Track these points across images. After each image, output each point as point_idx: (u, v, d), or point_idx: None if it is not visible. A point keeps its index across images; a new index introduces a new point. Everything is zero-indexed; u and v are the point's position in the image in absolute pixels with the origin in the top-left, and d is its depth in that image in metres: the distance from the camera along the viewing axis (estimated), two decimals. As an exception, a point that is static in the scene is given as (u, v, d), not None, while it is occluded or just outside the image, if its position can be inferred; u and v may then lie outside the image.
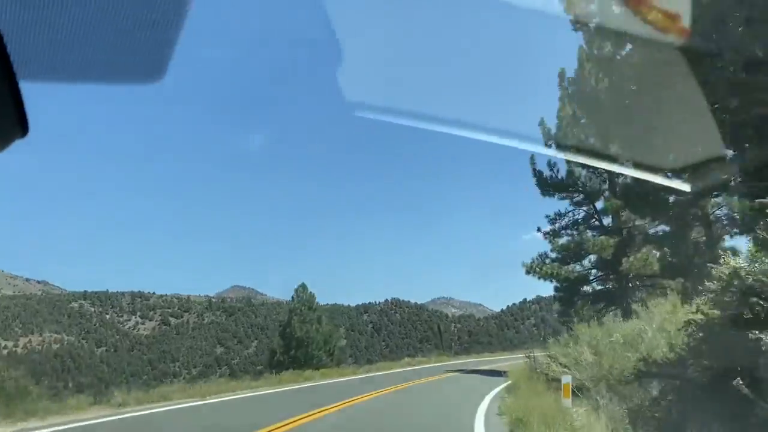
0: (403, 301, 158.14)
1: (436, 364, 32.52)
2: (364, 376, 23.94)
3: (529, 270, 24.76)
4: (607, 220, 25.50)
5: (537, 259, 25.05)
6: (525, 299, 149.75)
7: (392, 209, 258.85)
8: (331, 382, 20.68)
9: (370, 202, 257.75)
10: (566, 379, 10.10)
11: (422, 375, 23.80)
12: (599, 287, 26.47)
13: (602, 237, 23.50)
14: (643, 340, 11.40)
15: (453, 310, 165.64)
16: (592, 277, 25.23)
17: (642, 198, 18.21)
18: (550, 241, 26.13)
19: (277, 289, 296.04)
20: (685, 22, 6.26)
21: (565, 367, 12.85)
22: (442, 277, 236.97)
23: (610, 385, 10.98)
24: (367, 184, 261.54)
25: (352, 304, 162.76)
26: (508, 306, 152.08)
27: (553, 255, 25.56)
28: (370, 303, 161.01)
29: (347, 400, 12.95)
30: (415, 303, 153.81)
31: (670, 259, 23.98)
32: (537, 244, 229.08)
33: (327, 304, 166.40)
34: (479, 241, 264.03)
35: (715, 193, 16.38)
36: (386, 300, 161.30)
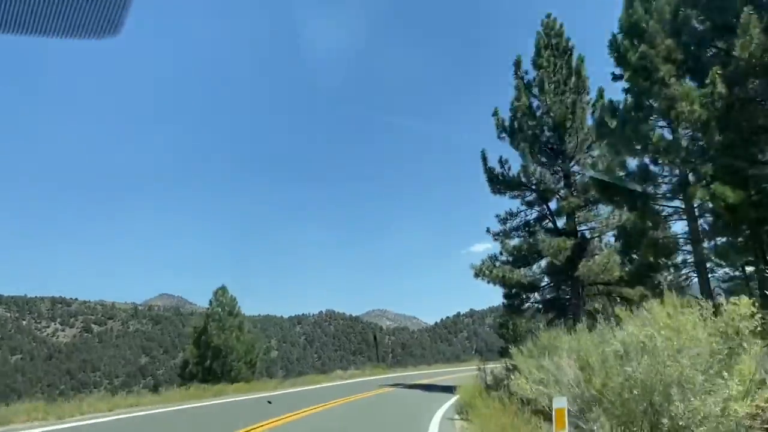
0: (337, 312, 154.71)
1: (370, 378, 29.16)
2: (285, 391, 20.37)
3: (478, 273, 21.85)
4: (561, 222, 22.92)
5: (487, 261, 22.19)
6: (458, 312, 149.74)
7: (329, 219, 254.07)
8: (238, 399, 17.02)
9: (305, 211, 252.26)
10: (560, 402, 7.02)
11: (354, 390, 20.43)
12: (549, 295, 23.84)
13: (559, 238, 20.84)
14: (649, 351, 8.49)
15: (388, 323, 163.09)
16: (543, 283, 22.52)
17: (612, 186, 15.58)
18: (500, 243, 23.35)
19: (208, 298, 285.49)
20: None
21: (541, 384, 9.80)
22: (378, 290, 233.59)
23: (607, 410, 8.02)
24: (303, 192, 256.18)
25: (285, 315, 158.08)
26: (441, 319, 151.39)
27: (504, 257, 22.78)
28: (303, 314, 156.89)
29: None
30: (350, 315, 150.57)
31: (629, 265, 21.66)
32: (473, 258, 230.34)
33: (259, 315, 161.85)
34: (416, 254, 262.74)
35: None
36: (320, 311, 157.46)
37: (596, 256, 20.68)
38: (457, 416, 13.25)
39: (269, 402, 15.14)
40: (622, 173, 15.43)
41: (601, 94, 22.13)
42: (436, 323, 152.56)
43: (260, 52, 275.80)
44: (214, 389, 18.24)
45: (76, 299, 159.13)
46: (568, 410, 8.87)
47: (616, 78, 15.08)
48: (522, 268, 21.74)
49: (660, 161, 13.86)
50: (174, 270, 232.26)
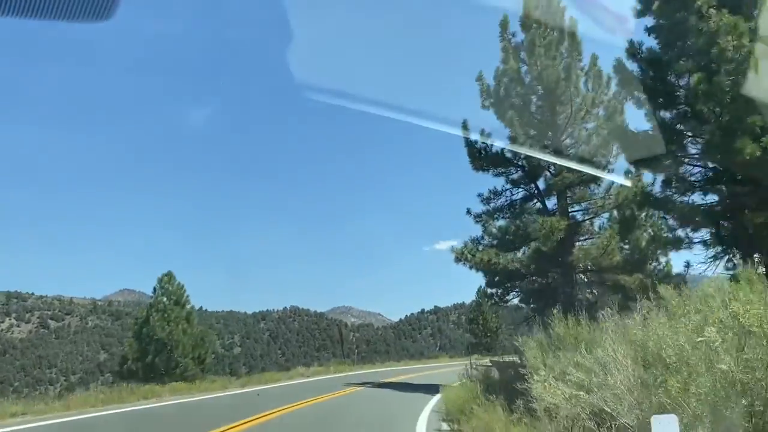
0: (302, 309, 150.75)
1: (335, 375, 25.98)
2: (233, 392, 17.09)
3: (460, 257, 18.85)
4: (551, 203, 20.10)
5: (469, 244, 19.20)
6: (423, 309, 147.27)
7: (292, 215, 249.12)
8: (166, 404, 13.69)
9: (269, 207, 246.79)
10: (666, 424, 3.98)
11: (316, 390, 17.25)
12: (536, 283, 21.05)
13: (552, 218, 17.99)
14: None
15: (352, 319, 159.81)
16: (534, 268, 19.61)
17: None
18: (483, 225, 20.41)
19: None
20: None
21: (582, 389, 6.78)
22: (343, 286, 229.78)
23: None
24: (265, 188, 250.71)
25: (249, 312, 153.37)
26: (406, 316, 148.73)
27: (487, 241, 19.85)
28: (267, 310, 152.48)
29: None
30: (315, 311, 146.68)
31: (628, 248, 19.03)
32: (439, 255, 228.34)
33: (222, 311, 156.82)
34: (380, 251, 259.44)
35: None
36: (285, 308, 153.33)
37: (595, 239, 17.94)
38: (445, 426, 10.25)
39: (239, 401, 11.86)
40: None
41: (594, 61, 19.52)
42: (400, 320, 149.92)
43: (207, 37, 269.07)
44: (143, 391, 14.83)
45: (33, 294, 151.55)
46: (626, 425, 5.94)
47: (640, 14, 12.24)
48: (510, 252, 18.82)
49: (697, 109, 10.99)
50: (136, 265, 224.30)
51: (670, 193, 12.74)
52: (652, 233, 22.16)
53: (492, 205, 20.63)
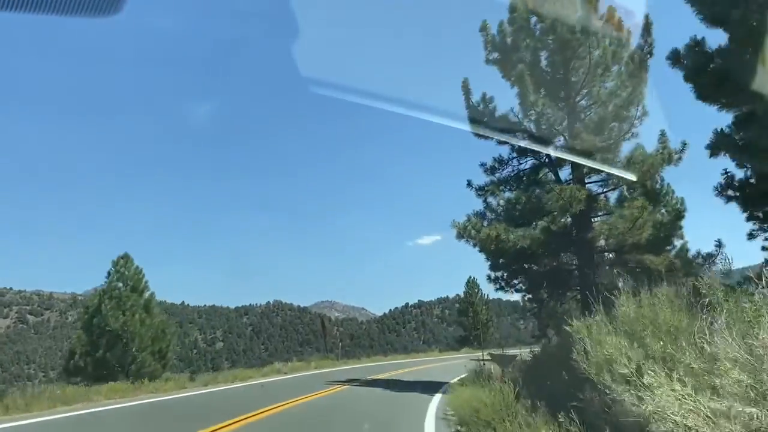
0: (285, 303, 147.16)
1: (316, 371, 22.83)
2: (193, 393, 13.94)
3: (462, 233, 15.78)
4: (564, 173, 17.13)
5: (473, 218, 16.13)
6: (407, 303, 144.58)
7: (276, 208, 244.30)
8: (87, 412, 10.44)
9: (252, 201, 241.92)
10: None
11: (294, 390, 14.15)
12: (546, 266, 18.09)
13: (571, 186, 15.01)
14: None
15: (336, 314, 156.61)
16: (547, 247, 16.56)
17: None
18: (485, 199, 17.39)
19: (154, 288, 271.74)
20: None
21: (748, 401, 3.76)
22: (326, 281, 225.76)
23: None
24: (249, 181, 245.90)
25: (232, 306, 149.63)
26: (390, 310, 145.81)
27: (492, 215, 16.83)
28: (250, 305, 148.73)
29: None
30: (298, 306, 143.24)
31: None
32: (422, 250, 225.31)
33: (204, 305, 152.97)
34: (364, 245, 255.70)
35: None
36: (268, 302, 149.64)
37: (618, 213, 14.95)
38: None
39: (183, 408, 8.67)
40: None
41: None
42: (384, 314, 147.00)
43: (212, 31, 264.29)
44: (68, 394, 11.54)
45: (11, 289, 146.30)
46: None
47: None
48: (519, 228, 15.76)
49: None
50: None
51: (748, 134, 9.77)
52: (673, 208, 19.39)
53: (497, 175, 17.61)
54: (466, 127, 18.40)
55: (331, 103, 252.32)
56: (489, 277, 18.09)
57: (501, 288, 18.69)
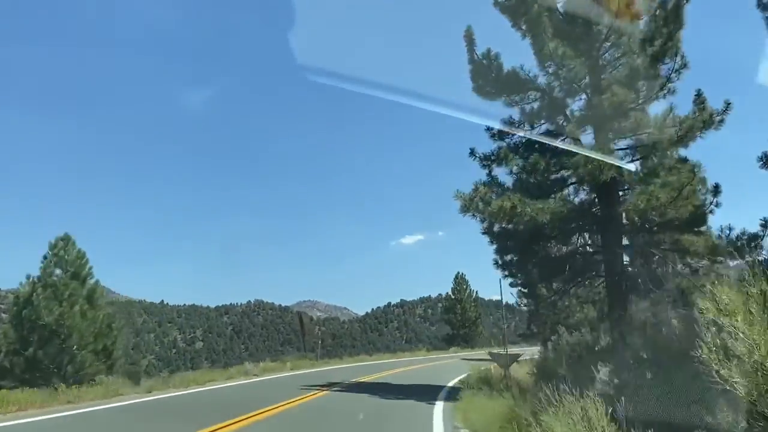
0: (266, 303, 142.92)
1: (292, 373, 19.67)
2: (127, 403, 10.72)
3: (468, 205, 12.71)
4: (587, 138, 14.14)
5: (482, 187, 13.07)
6: (389, 303, 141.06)
7: (256, 208, 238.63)
8: None
9: (232, 200, 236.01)
10: None
11: (260, 399, 11.00)
12: (563, 249, 15.17)
13: (600, 150, 12.07)
14: None
15: (318, 313, 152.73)
16: (569, 225, 13.56)
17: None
18: (489, 172, 14.38)
19: (130, 286, 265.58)
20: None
21: None
22: (308, 280, 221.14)
23: None
24: (229, 180, 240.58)
25: (212, 305, 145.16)
26: (372, 309, 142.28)
27: (500, 189, 13.80)
28: (231, 304, 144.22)
29: None
30: (280, 305, 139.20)
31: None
32: (405, 249, 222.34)
33: (184, 304, 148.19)
34: (346, 244, 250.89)
35: None
36: (249, 302, 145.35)
37: (669, 176, 12.03)
38: None
39: None
40: None
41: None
42: (366, 314, 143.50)
43: (208, 19, 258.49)
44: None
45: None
46: None
47: None
48: (538, 201, 12.75)
49: None
50: (98, 258, 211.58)
51: None
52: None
53: (507, 141, 14.66)
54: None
55: (317, 102, 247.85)
56: (497, 263, 15.10)
57: (511, 275, 15.77)
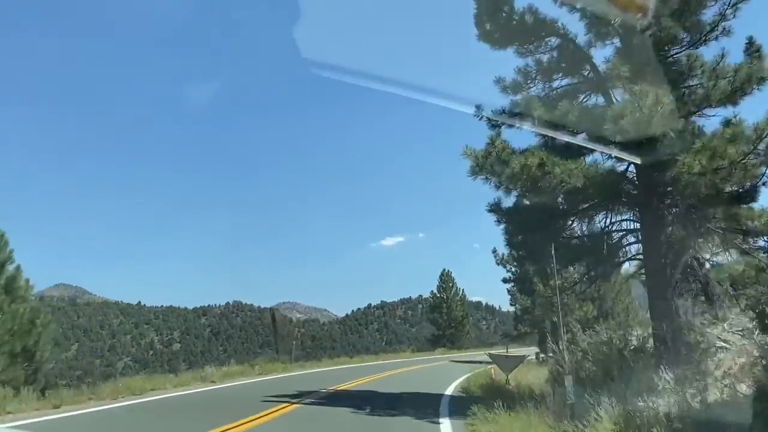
0: (245, 304, 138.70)
1: (260, 378, 16.53)
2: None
3: (481, 164, 9.77)
4: (617, 93, 11.23)
5: (499, 142, 10.08)
6: (369, 304, 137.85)
7: (236, 208, 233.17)
8: None
9: (210, 200, 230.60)
10: None
11: (203, 418, 7.92)
12: (591, 227, 12.26)
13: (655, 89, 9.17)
14: None
15: (298, 315, 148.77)
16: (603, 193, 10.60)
17: None
18: (498, 133, 11.36)
19: (110, 288, 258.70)
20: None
21: None
22: (288, 281, 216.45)
23: None
24: (207, 180, 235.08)
25: (190, 307, 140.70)
26: (352, 311, 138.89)
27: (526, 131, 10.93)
28: (209, 305, 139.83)
29: None
30: (259, 306, 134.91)
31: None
32: (385, 251, 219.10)
33: (161, 306, 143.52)
34: (327, 245, 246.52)
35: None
36: (227, 303, 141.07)
37: (736, 127, 9.21)
38: None
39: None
40: None
41: None
42: (346, 315, 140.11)
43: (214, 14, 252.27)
44: None
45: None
46: None
47: None
48: (570, 161, 9.82)
49: None
50: (74, 259, 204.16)
51: None
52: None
53: (521, 95, 11.73)
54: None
55: (303, 101, 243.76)
56: (509, 243, 12.16)
57: (529, 257, 12.85)
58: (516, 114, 11.35)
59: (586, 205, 11.13)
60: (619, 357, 11.45)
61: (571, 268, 27.32)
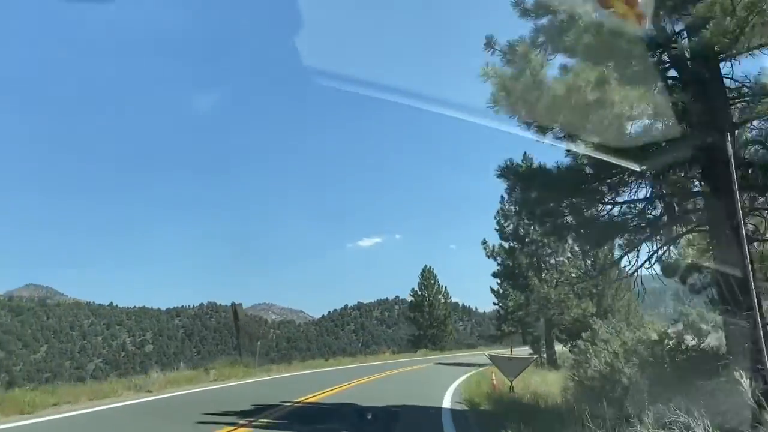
0: (219, 305, 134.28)
1: (214, 386, 13.33)
2: None
3: (509, 90, 6.75)
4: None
5: (533, 53, 7.16)
6: (346, 305, 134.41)
7: (212, 208, 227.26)
8: None
9: (184, 201, 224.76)
10: None
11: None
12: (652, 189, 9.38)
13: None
14: None
15: (273, 316, 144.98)
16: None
17: None
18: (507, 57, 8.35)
19: (81, 289, 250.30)
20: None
21: None
22: (264, 283, 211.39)
23: None
24: (182, 182, 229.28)
25: (163, 308, 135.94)
26: (328, 312, 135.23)
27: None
28: (182, 306, 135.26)
29: None
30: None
31: None
32: (362, 252, 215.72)
33: (134, 306, 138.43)
34: (303, 247, 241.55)
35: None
36: (201, 304, 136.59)
37: None
38: None
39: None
40: None
41: None
42: (322, 316, 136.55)
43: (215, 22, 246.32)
44: None
45: None
46: None
47: None
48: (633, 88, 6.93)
49: None
50: (45, 259, 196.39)
51: None
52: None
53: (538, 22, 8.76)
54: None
55: (285, 102, 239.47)
56: (532, 214, 9.27)
57: (553, 232, 9.88)
58: (541, 44, 8.37)
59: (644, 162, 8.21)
60: (671, 362, 8.66)
61: (566, 260, 23.90)
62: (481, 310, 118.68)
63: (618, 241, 9.96)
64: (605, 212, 9.53)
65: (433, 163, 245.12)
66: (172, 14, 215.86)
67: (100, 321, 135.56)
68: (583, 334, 12.35)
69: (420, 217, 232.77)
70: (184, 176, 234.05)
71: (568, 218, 9.44)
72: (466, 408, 9.57)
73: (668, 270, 10.39)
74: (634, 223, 9.25)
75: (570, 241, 9.94)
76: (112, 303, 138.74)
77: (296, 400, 9.86)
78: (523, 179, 9.39)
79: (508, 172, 9.29)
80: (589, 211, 9.29)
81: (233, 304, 18.92)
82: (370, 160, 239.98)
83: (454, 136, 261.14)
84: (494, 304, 29.01)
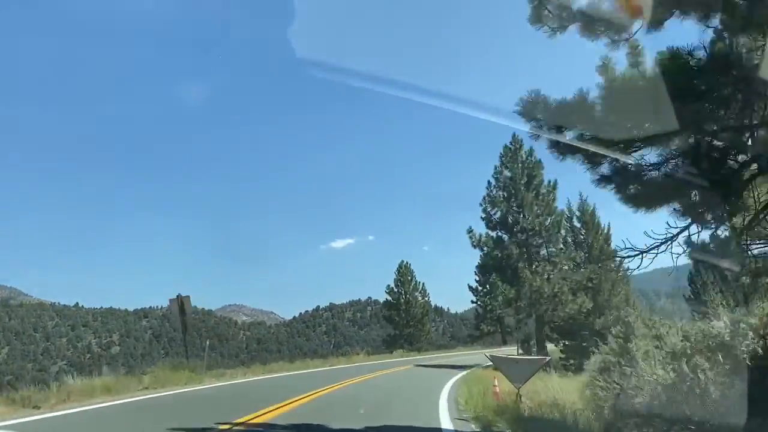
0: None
1: (140, 396, 10.23)
2: None
3: None
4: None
5: None
6: (318, 307, 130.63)
7: (181, 209, 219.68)
8: None
9: (151, 199, 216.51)
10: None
11: None
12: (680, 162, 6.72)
13: None
14: None
15: (244, 318, 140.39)
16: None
17: None
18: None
19: (46, 289, 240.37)
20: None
21: None
22: (235, 284, 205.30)
23: None
24: (149, 180, 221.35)
25: (130, 309, 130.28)
26: (300, 313, 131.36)
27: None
28: (150, 307, 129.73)
29: None
30: (203, 309, 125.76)
31: None
32: (335, 253, 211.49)
33: (100, 307, 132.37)
34: (277, 247, 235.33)
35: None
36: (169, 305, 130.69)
37: None
38: None
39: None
40: None
41: None
42: (294, 318, 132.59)
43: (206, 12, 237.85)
44: None
45: None
46: None
47: None
48: None
49: None
50: (8, 258, 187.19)
51: None
52: None
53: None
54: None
55: (252, 98, 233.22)
56: (567, 148, 6.55)
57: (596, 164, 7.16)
58: None
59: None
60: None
61: (558, 251, 21.36)
62: (453, 311, 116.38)
63: (674, 205, 7.37)
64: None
65: (412, 161, 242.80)
66: (162, 3, 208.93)
67: (65, 322, 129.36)
68: (613, 330, 9.70)
69: (393, 219, 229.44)
70: (156, 176, 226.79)
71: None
72: (477, 430, 6.73)
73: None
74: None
75: (617, 199, 7.13)
76: (77, 304, 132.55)
77: (238, 421, 6.86)
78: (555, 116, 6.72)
79: (532, 107, 6.64)
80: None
81: (179, 296, 15.72)
82: (348, 159, 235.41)
83: (434, 132, 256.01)
84: (472, 302, 26.34)
